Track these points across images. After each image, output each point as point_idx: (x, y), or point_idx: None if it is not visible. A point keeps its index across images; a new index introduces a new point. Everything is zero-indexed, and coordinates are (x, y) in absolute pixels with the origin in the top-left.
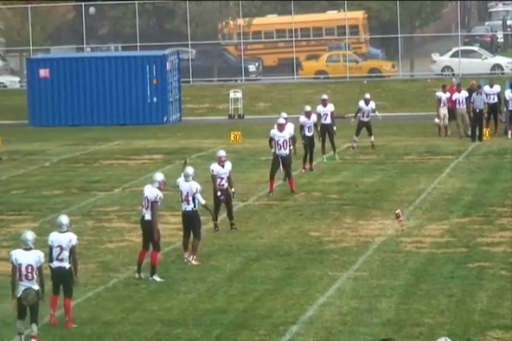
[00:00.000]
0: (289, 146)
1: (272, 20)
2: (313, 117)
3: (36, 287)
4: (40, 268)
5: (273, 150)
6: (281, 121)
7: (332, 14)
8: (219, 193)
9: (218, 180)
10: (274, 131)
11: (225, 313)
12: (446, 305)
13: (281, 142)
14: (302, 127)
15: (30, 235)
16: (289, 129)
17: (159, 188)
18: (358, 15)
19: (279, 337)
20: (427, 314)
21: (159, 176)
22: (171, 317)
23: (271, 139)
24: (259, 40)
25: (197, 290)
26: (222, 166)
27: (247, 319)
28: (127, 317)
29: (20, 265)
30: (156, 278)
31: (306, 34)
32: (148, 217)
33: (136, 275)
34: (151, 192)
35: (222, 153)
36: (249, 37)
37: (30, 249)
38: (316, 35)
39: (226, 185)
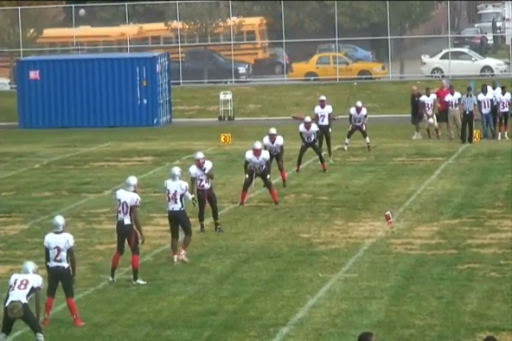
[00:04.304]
0: (265, 166)
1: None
2: (313, 127)
3: (24, 300)
4: (37, 292)
5: (246, 175)
6: (257, 146)
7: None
8: (198, 193)
9: (198, 182)
10: (250, 156)
11: (215, 315)
12: (436, 306)
13: (257, 167)
14: (301, 134)
15: (30, 265)
16: (279, 142)
17: (134, 192)
18: (255, 21)
19: (269, 338)
20: (417, 316)
21: (133, 180)
22: (161, 319)
23: (246, 163)
24: (157, 44)
25: (187, 292)
26: (200, 168)
27: (238, 321)
28: (117, 319)
29: (16, 280)
30: (140, 281)
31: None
32: (128, 221)
33: (110, 279)
34: (129, 196)
35: (200, 155)
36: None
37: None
38: (214, 41)
39: (207, 186)
